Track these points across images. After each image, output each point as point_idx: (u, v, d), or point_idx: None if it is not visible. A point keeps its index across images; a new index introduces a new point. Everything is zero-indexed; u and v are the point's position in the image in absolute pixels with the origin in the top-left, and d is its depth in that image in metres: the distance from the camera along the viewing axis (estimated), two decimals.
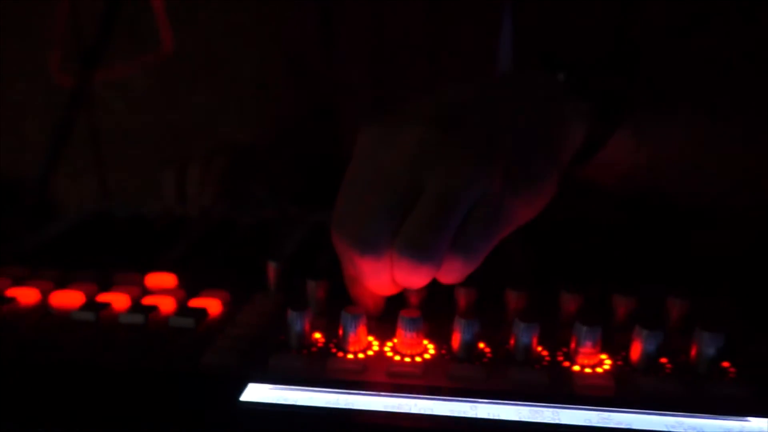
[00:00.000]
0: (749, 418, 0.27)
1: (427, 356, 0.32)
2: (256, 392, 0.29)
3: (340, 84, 0.80)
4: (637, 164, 0.41)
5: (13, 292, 0.39)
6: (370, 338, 0.34)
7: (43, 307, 0.38)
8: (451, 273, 0.32)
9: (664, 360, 0.32)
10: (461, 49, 0.70)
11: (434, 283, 0.33)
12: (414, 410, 0.28)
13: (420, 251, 0.30)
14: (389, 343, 0.34)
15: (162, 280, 0.42)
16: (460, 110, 0.34)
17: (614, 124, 0.37)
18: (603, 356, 0.32)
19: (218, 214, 0.60)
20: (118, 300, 0.39)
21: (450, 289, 0.37)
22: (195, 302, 0.38)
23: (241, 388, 0.29)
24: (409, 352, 0.33)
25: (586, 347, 0.31)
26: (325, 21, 0.81)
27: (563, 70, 0.38)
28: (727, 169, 0.47)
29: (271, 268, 0.41)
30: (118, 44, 1.07)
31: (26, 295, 0.39)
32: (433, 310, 0.36)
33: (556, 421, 0.27)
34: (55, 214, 0.88)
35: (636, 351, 0.31)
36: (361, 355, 0.32)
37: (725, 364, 0.31)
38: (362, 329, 0.33)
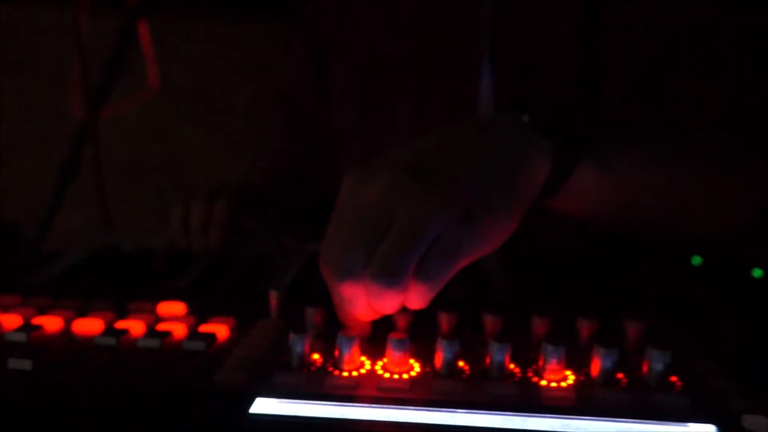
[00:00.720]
0: (689, 424, 0.32)
1: (413, 373, 0.37)
2: (263, 405, 0.33)
3: (333, 129, 0.85)
4: (601, 196, 0.46)
5: (38, 320, 0.43)
6: (363, 358, 0.38)
7: (67, 333, 0.42)
8: (416, 297, 0.37)
9: (620, 375, 0.36)
10: (444, 98, 0.76)
11: (420, 309, 0.38)
12: (402, 420, 0.32)
13: (386, 277, 0.35)
14: (380, 362, 0.38)
15: (173, 308, 0.46)
16: (426, 157, 0.40)
17: (575, 159, 0.42)
18: (567, 372, 0.37)
19: (221, 247, 0.64)
20: (135, 326, 0.43)
21: (433, 313, 0.41)
22: (204, 328, 0.43)
23: (250, 402, 0.33)
24: (397, 370, 0.37)
25: (552, 364, 0.36)
26: (318, 73, 0.87)
27: (528, 112, 0.44)
28: (682, 204, 0.53)
29: (273, 296, 0.46)
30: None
31: (51, 323, 0.43)
32: (418, 333, 0.41)
33: (525, 428, 0.31)
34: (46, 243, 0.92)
35: (595, 367, 0.36)
36: (355, 373, 0.37)
37: (673, 378, 0.36)
38: (356, 350, 0.37)
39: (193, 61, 4.70)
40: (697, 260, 0.63)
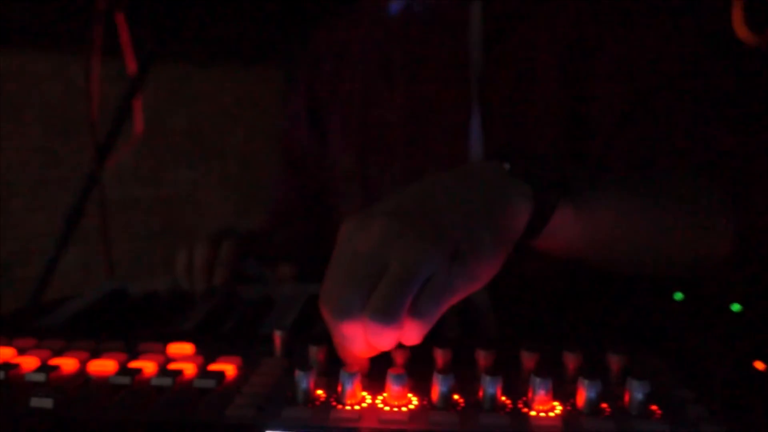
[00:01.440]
0: None
1: (411, 406, 0.39)
2: None
3: (331, 174, 0.89)
4: (581, 237, 0.50)
5: (55, 361, 0.46)
6: (364, 393, 0.41)
7: (83, 374, 0.45)
8: (411, 334, 0.40)
9: (604, 405, 0.39)
10: (436, 148, 0.80)
11: (416, 345, 0.41)
12: None
13: (383, 316, 0.39)
14: (380, 397, 0.40)
15: (182, 348, 0.49)
16: (415, 204, 0.43)
17: (554, 203, 0.46)
18: (555, 403, 0.39)
19: (224, 289, 0.67)
20: (147, 366, 0.45)
21: (429, 349, 0.44)
22: (213, 366, 0.45)
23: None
24: (396, 403, 0.39)
25: (540, 395, 0.38)
26: (316, 122, 0.92)
27: (509, 160, 0.47)
28: (657, 244, 0.56)
29: (277, 335, 0.48)
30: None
31: (67, 364, 0.45)
32: (415, 368, 0.43)
33: None
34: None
35: (581, 398, 0.39)
36: (357, 407, 0.39)
37: (653, 407, 0.39)
38: (357, 385, 0.40)
39: (188, 105, 4.78)
40: (678, 296, 0.66)
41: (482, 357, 0.43)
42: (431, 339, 0.42)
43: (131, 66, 1.13)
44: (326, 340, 0.45)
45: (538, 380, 0.39)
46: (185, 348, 0.49)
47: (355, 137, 0.85)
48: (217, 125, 4.78)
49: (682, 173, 0.61)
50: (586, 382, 0.38)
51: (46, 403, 0.39)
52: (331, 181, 0.91)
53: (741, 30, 1.62)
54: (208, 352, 0.48)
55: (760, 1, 1.60)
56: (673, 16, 0.74)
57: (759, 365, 0.46)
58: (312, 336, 0.46)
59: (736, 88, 0.69)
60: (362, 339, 0.41)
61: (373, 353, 0.42)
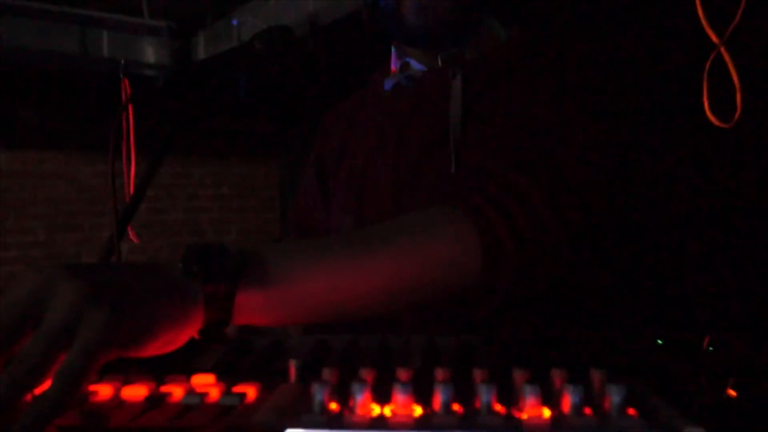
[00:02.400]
0: None
1: (416, 415, 0.44)
2: None
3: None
4: (295, 306, 0.59)
5: (91, 387, 0.50)
6: (373, 405, 0.45)
7: (117, 398, 0.49)
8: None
9: (588, 409, 0.44)
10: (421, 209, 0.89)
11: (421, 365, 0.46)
12: None
13: (27, 370, 0.44)
14: (387, 408, 0.45)
15: (205, 379, 0.53)
16: (99, 274, 0.50)
17: (229, 291, 0.54)
18: (544, 408, 0.44)
19: (238, 335, 0.72)
20: (175, 390, 0.50)
21: (431, 372, 0.49)
22: (235, 389, 0.50)
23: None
24: (402, 412, 0.44)
25: (531, 401, 0.43)
26: (324, 192, 1.01)
27: (184, 258, 0.55)
28: (405, 287, 0.63)
29: (292, 364, 0.53)
30: None
31: (103, 389, 0.50)
32: (419, 385, 0.48)
33: None
34: None
35: (566, 402, 0.43)
36: (368, 416, 0.44)
37: (631, 410, 0.43)
38: (368, 396, 0.45)
39: (186, 200, 4.89)
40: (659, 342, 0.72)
41: (478, 374, 0.48)
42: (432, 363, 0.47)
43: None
44: (338, 364, 0.50)
45: (528, 387, 0.44)
46: (208, 378, 0.53)
47: (355, 202, 0.93)
48: (213, 220, 4.89)
49: (437, 209, 0.69)
50: (570, 387, 0.43)
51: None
52: None
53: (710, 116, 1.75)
54: (228, 381, 0.53)
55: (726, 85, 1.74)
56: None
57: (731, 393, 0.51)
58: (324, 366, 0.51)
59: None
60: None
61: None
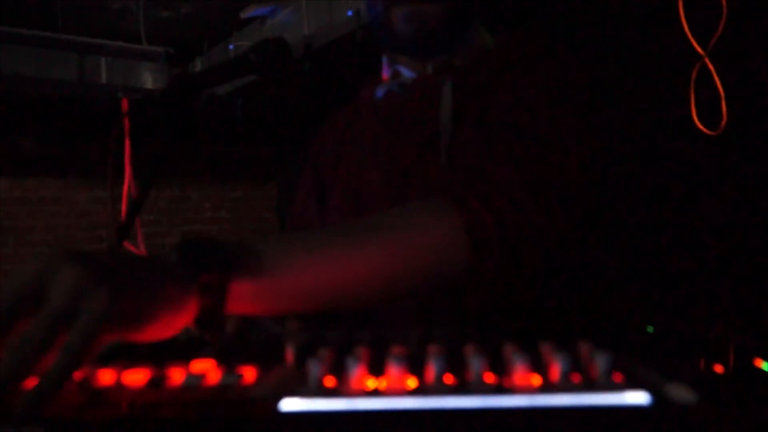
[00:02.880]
0: (626, 392, 0.41)
1: (410, 386, 0.45)
2: (290, 404, 0.41)
3: None
4: (285, 296, 0.61)
5: (91, 373, 0.51)
6: (369, 380, 0.47)
7: (118, 382, 0.50)
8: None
9: (576, 376, 0.45)
10: None
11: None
12: (410, 406, 0.41)
13: (33, 343, 0.46)
14: (383, 381, 0.46)
15: (204, 364, 0.54)
16: (99, 258, 0.51)
17: (222, 281, 0.56)
18: (533, 376, 0.45)
19: (235, 333, 0.73)
20: (175, 373, 0.51)
21: (424, 348, 0.50)
22: (234, 372, 0.51)
23: (279, 401, 0.41)
24: (397, 384, 0.45)
25: (519, 365, 0.45)
26: (320, 196, 1.03)
27: (177, 249, 0.57)
28: (394, 278, 0.64)
29: (289, 349, 0.54)
30: None
31: (104, 375, 0.51)
32: (414, 359, 0.49)
33: (501, 405, 0.40)
34: None
35: (554, 370, 0.45)
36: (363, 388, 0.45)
37: (617, 374, 0.45)
38: (363, 369, 0.46)
39: (183, 224, 4.91)
40: (650, 329, 0.73)
41: (470, 348, 0.50)
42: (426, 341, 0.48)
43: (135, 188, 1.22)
44: (334, 345, 0.51)
45: (518, 355, 0.45)
46: (207, 363, 0.54)
47: (350, 206, 0.95)
48: None
49: (425, 202, 0.71)
50: (558, 355, 0.45)
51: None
52: None
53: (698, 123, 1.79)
54: (227, 365, 0.54)
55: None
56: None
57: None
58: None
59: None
60: None
61: None
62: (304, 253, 0.61)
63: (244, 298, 0.58)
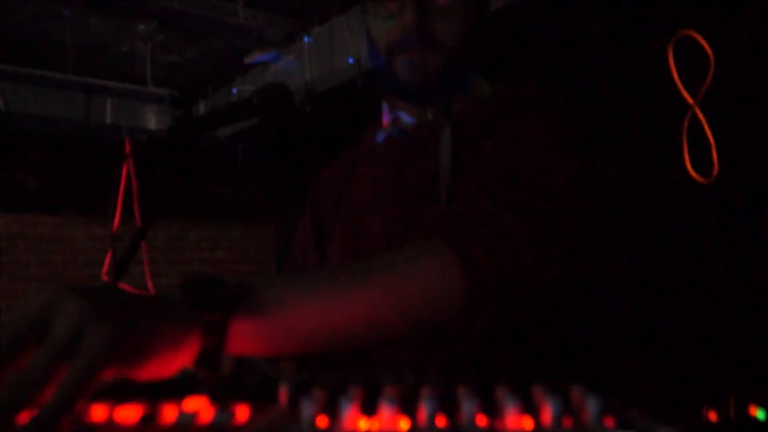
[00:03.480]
0: None
1: (402, 428, 0.45)
2: None
3: None
4: (287, 334, 0.61)
5: (84, 409, 0.51)
6: (361, 420, 0.47)
7: (110, 420, 0.50)
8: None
9: (567, 420, 0.45)
10: None
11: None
12: None
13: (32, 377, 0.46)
14: (376, 423, 0.46)
15: (197, 402, 0.54)
16: (103, 295, 0.52)
17: (223, 320, 0.57)
18: (525, 419, 0.46)
19: (230, 373, 0.73)
20: (168, 411, 0.51)
21: (417, 390, 0.51)
22: (227, 411, 0.51)
23: None
24: (389, 426, 0.45)
25: (511, 408, 0.45)
26: (319, 237, 1.05)
27: (181, 287, 0.58)
28: (386, 318, 0.65)
29: (283, 389, 0.54)
30: None
31: (96, 412, 0.51)
32: (406, 400, 0.50)
33: None
34: None
35: (546, 413, 0.45)
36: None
37: (608, 419, 0.45)
38: (355, 409, 0.46)
39: (182, 263, 4.90)
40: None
41: (462, 390, 0.50)
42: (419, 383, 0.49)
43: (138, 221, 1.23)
44: (328, 385, 0.51)
45: (510, 399, 0.45)
46: (200, 401, 0.54)
47: (350, 250, 0.96)
48: None
49: (423, 244, 0.72)
50: (550, 398, 0.45)
51: None
52: None
53: (691, 172, 1.82)
54: (220, 404, 0.54)
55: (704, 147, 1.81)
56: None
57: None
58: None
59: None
60: None
61: None
62: (304, 294, 0.62)
63: (244, 337, 0.58)
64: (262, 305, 0.60)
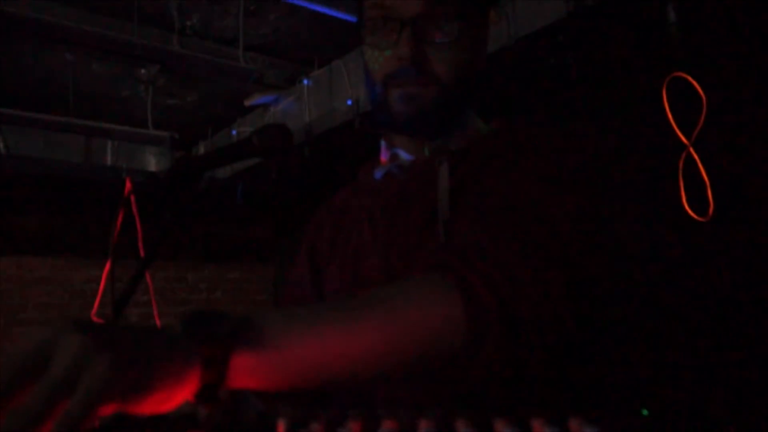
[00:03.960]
0: None
1: None
2: None
3: None
4: (288, 368, 0.61)
5: None
6: None
7: None
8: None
9: None
10: None
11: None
12: None
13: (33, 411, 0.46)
14: None
15: None
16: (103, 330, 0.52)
17: (224, 353, 0.57)
18: None
19: (227, 411, 0.72)
20: None
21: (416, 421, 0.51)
22: None
23: None
24: None
25: None
26: (315, 274, 1.05)
27: (181, 322, 0.58)
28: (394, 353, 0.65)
29: (281, 424, 0.54)
30: None
31: None
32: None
33: None
34: None
35: None
36: None
37: None
38: None
39: (180, 304, 4.89)
40: (644, 412, 0.73)
41: (460, 422, 0.50)
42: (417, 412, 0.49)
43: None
44: (326, 420, 0.51)
45: (509, 430, 0.45)
46: None
47: (348, 288, 0.96)
48: None
49: (424, 278, 0.72)
50: (548, 429, 0.45)
51: None
52: None
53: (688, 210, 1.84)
54: None
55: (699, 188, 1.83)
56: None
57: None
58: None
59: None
60: None
61: None
62: (304, 328, 0.62)
63: (244, 371, 0.58)
64: (263, 340, 0.60)
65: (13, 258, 4.26)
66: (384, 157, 1.07)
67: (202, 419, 0.67)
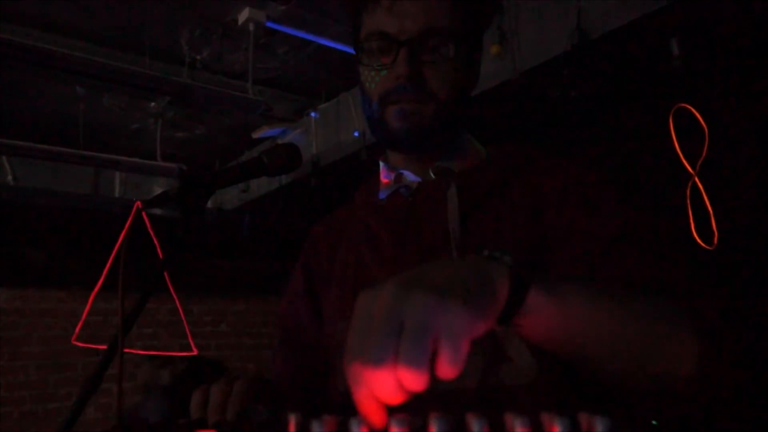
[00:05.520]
0: None
1: None
2: None
3: (326, 344, 1.00)
4: (553, 322, 0.61)
5: None
6: None
7: None
8: (444, 369, 0.49)
9: None
10: None
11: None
12: None
13: (413, 361, 0.48)
14: None
15: None
16: (417, 276, 0.55)
17: (527, 281, 0.58)
18: None
19: (235, 421, 0.73)
20: None
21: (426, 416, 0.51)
22: None
23: None
24: None
25: (519, 429, 0.45)
26: (312, 298, 1.05)
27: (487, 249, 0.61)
28: (624, 347, 0.65)
29: (292, 419, 0.55)
30: None
31: None
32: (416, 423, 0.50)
33: None
34: None
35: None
36: None
37: None
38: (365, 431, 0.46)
39: (184, 336, 4.84)
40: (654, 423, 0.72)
41: (471, 416, 0.50)
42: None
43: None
44: (335, 414, 0.52)
45: (518, 420, 0.46)
46: None
47: (349, 305, 0.96)
48: (215, 352, 4.82)
49: (653, 294, 0.73)
50: (557, 418, 0.45)
51: None
52: (327, 351, 0.99)
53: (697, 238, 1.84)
54: None
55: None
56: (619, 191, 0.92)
57: None
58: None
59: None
60: (392, 384, 0.49)
61: (398, 399, 0.50)
62: (580, 290, 0.64)
63: (531, 307, 0.59)
64: (550, 285, 0.61)
65: (16, 291, 4.26)
66: (386, 178, 1.07)
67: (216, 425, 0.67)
